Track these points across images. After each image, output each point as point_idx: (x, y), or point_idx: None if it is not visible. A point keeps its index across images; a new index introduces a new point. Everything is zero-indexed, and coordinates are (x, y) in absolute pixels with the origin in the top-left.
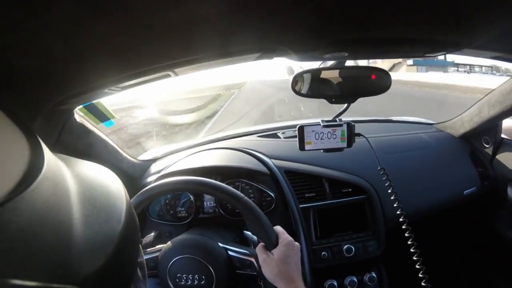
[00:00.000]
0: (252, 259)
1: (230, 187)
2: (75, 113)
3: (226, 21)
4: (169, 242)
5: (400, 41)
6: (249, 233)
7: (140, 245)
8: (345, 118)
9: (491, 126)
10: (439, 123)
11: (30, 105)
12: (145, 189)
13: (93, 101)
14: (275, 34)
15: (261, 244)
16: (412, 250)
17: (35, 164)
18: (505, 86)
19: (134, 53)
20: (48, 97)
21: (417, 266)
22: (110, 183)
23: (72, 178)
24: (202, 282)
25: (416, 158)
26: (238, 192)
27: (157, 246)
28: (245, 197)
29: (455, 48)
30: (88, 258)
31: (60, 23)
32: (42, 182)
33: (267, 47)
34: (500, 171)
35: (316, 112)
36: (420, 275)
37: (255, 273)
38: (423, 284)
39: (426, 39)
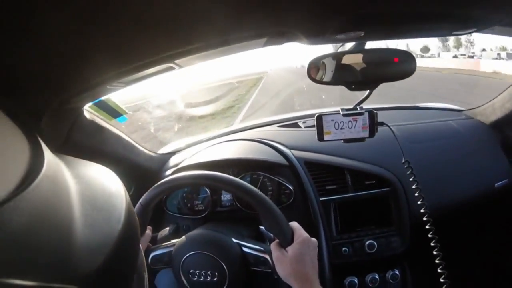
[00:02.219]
0: (267, 256)
1: (244, 182)
2: (85, 111)
3: (227, 4)
4: (183, 237)
5: (423, 17)
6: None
7: (140, 245)
8: (367, 105)
9: None
10: (468, 109)
11: (32, 106)
12: (158, 183)
13: (102, 98)
14: (281, 15)
15: (276, 241)
16: (435, 253)
17: (35, 164)
18: None
19: (130, 46)
20: (50, 97)
21: (439, 271)
22: (110, 183)
23: (72, 178)
24: (215, 279)
25: (443, 147)
26: (252, 187)
27: (172, 241)
28: (260, 192)
29: (485, 24)
30: (88, 258)
31: (57, 21)
32: (42, 182)
33: (273, 31)
34: None
35: (337, 100)
36: (441, 280)
37: (270, 270)
38: (441, 280)
39: (452, 13)
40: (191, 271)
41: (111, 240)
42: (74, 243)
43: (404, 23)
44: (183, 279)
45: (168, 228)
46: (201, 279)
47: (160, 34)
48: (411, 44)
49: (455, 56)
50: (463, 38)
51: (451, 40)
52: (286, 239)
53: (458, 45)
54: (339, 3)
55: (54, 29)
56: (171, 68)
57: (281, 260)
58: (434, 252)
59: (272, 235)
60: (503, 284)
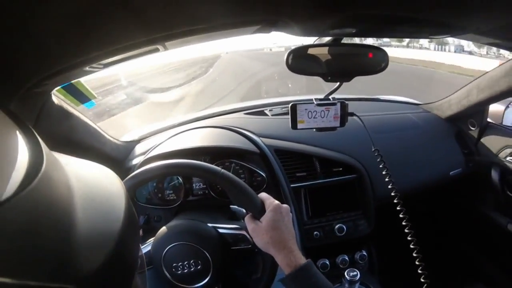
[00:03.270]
0: (244, 232)
1: (206, 164)
2: (52, 95)
3: None
4: (158, 233)
5: (411, 21)
6: (235, 207)
7: (140, 244)
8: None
9: (478, 109)
10: (426, 103)
11: (2, 89)
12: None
13: (72, 81)
14: (282, 4)
15: (249, 214)
16: (404, 223)
17: (35, 163)
18: (496, 71)
19: (117, 25)
20: (22, 79)
21: (408, 238)
22: (110, 182)
23: (72, 177)
24: (199, 267)
25: (405, 138)
26: (215, 167)
27: (148, 241)
28: (222, 170)
29: (461, 31)
30: (88, 258)
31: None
32: (41, 182)
33: (268, 19)
34: (484, 153)
35: (304, 89)
36: (411, 246)
37: (250, 245)
38: (414, 254)
39: (436, 21)
40: (174, 264)
41: (111, 240)
42: (74, 242)
43: (392, 24)
44: (167, 275)
45: (140, 230)
46: (185, 270)
47: (150, 14)
48: None
49: None
50: None
51: None
52: (258, 210)
53: None
54: (343, 2)
55: (29, 4)
56: (156, 50)
57: (257, 231)
58: (406, 230)
59: (244, 210)
60: (457, 264)
